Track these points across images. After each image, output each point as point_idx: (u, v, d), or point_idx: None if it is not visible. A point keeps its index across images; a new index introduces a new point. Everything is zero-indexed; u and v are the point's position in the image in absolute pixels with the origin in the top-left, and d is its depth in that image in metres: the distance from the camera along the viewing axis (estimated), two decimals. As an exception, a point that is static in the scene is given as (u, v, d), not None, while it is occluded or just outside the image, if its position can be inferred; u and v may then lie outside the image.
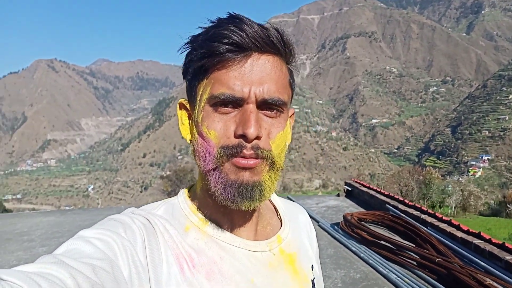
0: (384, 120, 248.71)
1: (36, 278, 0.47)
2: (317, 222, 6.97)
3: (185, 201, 0.76)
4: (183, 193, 0.79)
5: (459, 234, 4.92)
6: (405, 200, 6.84)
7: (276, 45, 0.67)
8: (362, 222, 6.44)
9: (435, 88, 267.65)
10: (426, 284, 4.21)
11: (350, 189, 9.24)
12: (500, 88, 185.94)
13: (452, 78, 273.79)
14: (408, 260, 4.74)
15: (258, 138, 0.65)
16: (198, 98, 0.69)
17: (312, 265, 0.85)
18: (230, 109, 0.66)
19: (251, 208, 0.68)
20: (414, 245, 5.18)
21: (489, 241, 4.55)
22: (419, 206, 6.39)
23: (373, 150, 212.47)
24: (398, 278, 4.31)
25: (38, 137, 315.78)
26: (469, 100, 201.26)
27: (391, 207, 6.74)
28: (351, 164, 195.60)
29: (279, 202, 0.90)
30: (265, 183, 0.68)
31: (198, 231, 0.72)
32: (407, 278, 4.29)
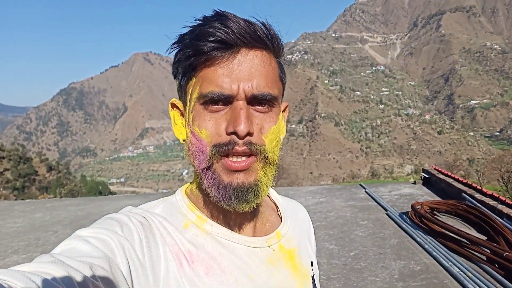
0: (485, 101, 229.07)
1: (33, 277, 0.47)
2: (386, 210, 6.76)
3: (182, 199, 0.76)
4: (181, 191, 0.79)
5: (537, 227, 4.48)
6: (483, 189, 6.35)
7: (263, 39, 0.67)
8: (434, 212, 6.12)
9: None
10: (491, 280, 3.93)
11: (427, 176, 8.76)
12: None
13: None
14: (476, 254, 4.44)
15: (249, 134, 0.65)
16: (189, 98, 0.69)
17: (312, 262, 0.85)
18: (220, 106, 0.65)
19: (247, 209, 0.68)
20: (486, 238, 4.83)
21: None
22: (497, 195, 5.90)
23: (472, 134, 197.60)
24: (460, 272, 4.07)
25: (137, 125, 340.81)
26: None
27: (467, 196, 6.31)
28: (446, 148, 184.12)
29: (279, 199, 0.90)
30: (260, 181, 0.68)
31: (196, 228, 0.71)
32: (470, 272, 4.03)
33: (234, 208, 0.67)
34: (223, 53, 0.64)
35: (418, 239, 5.14)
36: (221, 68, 0.64)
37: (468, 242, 4.64)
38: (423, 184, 8.77)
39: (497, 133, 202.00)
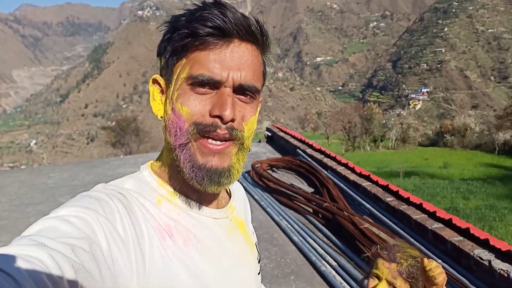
0: (328, 57, 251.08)
1: (17, 260, 0.47)
2: (230, 171, 6.95)
3: (150, 175, 0.78)
4: (147, 167, 0.80)
5: (352, 177, 5.05)
6: (313, 144, 6.93)
7: (256, 35, 0.71)
8: (273, 168, 6.50)
9: (375, 23, 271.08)
10: (314, 229, 4.33)
11: (270, 134, 9.26)
12: (436, 21, 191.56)
13: (391, 13, 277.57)
14: (303, 206, 4.83)
15: (232, 120, 0.69)
16: (175, 77, 0.71)
17: (253, 232, 0.95)
18: (207, 90, 0.69)
19: (217, 191, 0.74)
20: (313, 190, 5.30)
21: (376, 183, 4.70)
22: (323, 150, 6.50)
23: (319, 89, 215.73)
24: (288, 225, 4.39)
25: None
26: (408, 34, 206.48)
27: (300, 152, 6.82)
28: (298, 104, 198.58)
29: None
30: (233, 166, 0.72)
31: (169, 203, 0.75)
32: (297, 225, 4.38)
33: (204, 189, 0.72)
34: (218, 40, 0.67)
35: (256, 197, 5.40)
36: (214, 54, 0.67)
37: (297, 196, 5.02)
38: (267, 142, 9.26)
39: (340, 88, 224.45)
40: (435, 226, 3.44)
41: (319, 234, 4.21)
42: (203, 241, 0.75)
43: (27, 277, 0.46)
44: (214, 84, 0.68)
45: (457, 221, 3.41)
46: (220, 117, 0.68)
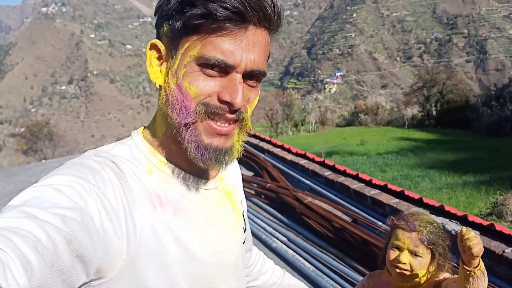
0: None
1: (7, 233, 0.47)
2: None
3: (142, 142, 0.76)
4: (138, 133, 0.78)
5: (289, 157, 5.23)
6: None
7: (272, 20, 0.69)
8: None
9: (288, 12, 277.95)
10: (259, 210, 4.45)
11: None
12: (345, 8, 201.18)
13: (303, 1, 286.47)
14: (245, 189, 4.92)
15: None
16: (181, 51, 0.69)
17: (242, 200, 0.96)
18: (216, 73, 0.67)
19: (219, 170, 0.76)
20: (253, 174, 5.41)
21: (312, 160, 4.92)
22: (258, 134, 6.64)
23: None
24: (234, 209, 4.47)
25: None
26: (320, 21, 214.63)
27: (235, 139, 6.89)
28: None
29: None
30: (234, 146, 0.73)
31: (160, 172, 0.74)
32: (242, 208, 4.47)
33: (208, 167, 0.73)
34: (235, 25, 0.65)
35: (197, 187, 5.39)
36: (229, 39, 0.66)
37: (238, 181, 5.10)
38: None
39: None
40: (373, 192, 3.71)
41: (265, 214, 4.34)
42: (192, 212, 0.75)
43: (20, 251, 0.45)
44: (225, 68, 0.67)
45: (391, 186, 3.71)
46: (229, 104, 0.68)
